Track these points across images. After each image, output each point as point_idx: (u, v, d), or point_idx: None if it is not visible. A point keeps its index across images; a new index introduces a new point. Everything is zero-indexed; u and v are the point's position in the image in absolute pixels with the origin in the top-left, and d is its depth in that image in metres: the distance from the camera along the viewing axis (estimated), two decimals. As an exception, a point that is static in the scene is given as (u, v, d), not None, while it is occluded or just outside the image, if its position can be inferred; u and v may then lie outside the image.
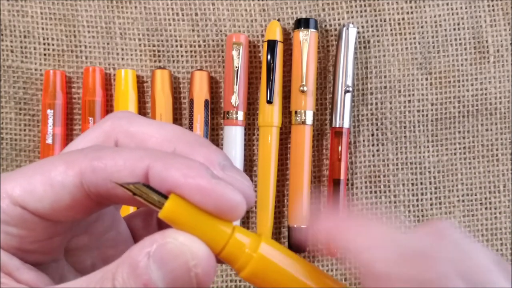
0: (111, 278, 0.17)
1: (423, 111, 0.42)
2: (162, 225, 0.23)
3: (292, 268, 0.19)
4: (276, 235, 0.42)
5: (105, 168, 0.18)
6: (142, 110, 0.42)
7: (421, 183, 0.42)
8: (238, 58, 0.41)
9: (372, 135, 0.42)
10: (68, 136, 0.42)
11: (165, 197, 0.18)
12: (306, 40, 0.41)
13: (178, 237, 0.17)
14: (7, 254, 0.19)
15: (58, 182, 0.18)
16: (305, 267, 0.20)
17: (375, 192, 0.42)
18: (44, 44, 0.42)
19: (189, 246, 0.17)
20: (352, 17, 0.42)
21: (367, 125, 0.42)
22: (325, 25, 0.42)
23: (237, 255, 0.19)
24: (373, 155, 0.42)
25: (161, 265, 0.17)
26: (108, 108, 0.42)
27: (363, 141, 0.42)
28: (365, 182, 0.42)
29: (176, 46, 0.42)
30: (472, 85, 0.42)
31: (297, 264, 0.20)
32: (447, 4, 0.42)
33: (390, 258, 0.18)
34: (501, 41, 0.42)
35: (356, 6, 0.42)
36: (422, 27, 0.42)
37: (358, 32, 0.42)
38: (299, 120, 0.41)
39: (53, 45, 0.42)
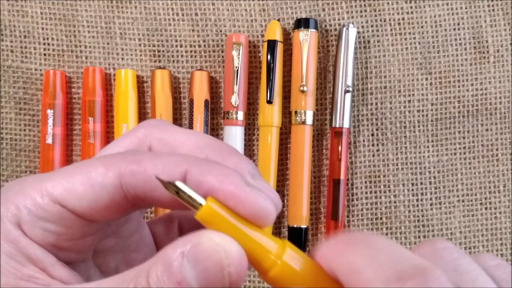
0: (145, 276, 0.18)
1: (423, 111, 0.42)
2: (183, 231, 0.24)
3: (312, 277, 0.20)
4: (276, 235, 0.42)
5: (145, 171, 0.19)
6: (142, 110, 0.42)
7: (421, 183, 0.42)
8: (238, 58, 0.41)
9: (372, 135, 0.42)
10: (68, 136, 0.42)
11: (203, 199, 0.19)
12: (306, 40, 0.41)
13: (213, 237, 0.18)
14: (43, 250, 0.20)
15: (98, 182, 0.19)
16: (324, 277, 0.20)
17: (375, 192, 0.42)
18: (44, 44, 0.42)
19: (223, 246, 0.18)
20: (352, 17, 0.42)
21: (367, 125, 0.42)
22: (325, 25, 0.42)
23: (263, 259, 0.19)
24: (373, 155, 0.42)
25: (195, 264, 0.18)
26: (108, 108, 0.42)
27: (363, 141, 0.42)
28: (365, 182, 0.42)
29: (176, 46, 0.42)
30: (472, 85, 0.42)
31: (317, 274, 0.20)
32: (447, 4, 0.42)
33: (387, 275, 0.18)
34: (501, 41, 0.42)
35: (356, 6, 0.42)
36: (422, 27, 0.42)
37: (358, 32, 0.42)
38: (299, 120, 0.41)
39: (53, 45, 0.42)
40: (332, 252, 0.19)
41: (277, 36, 0.41)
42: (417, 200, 0.42)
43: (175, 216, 0.24)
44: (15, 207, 0.19)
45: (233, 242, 0.18)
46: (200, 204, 0.18)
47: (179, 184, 0.18)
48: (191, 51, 0.42)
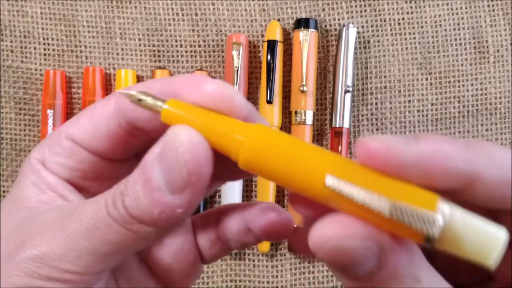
0: (125, 180, 0.19)
1: (423, 111, 0.42)
2: (219, 222, 0.24)
3: (292, 142, 0.18)
4: (276, 235, 0.42)
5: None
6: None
7: (421, 183, 0.42)
8: (238, 58, 0.41)
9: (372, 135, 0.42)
10: (68, 136, 0.42)
11: (163, 102, 0.19)
12: (306, 40, 0.41)
13: (171, 129, 0.19)
14: (62, 180, 0.22)
15: (97, 114, 0.22)
16: (302, 142, 0.19)
17: (375, 192, 0.42)
18: (44, 44, 0.42)
19: (179, 135, 0.18)
20: (352, 17, 0.42)
21: (367, 125, 0.42)
22: (325, 25, 0.42)
23: (230, 142, 0.19)
24: (373, 155, 0.42)
25: (159, 159, 0.18)
26: (108, 108, 0.42)
27: (363, 141, 0.42)
28: (365, 182, 0.42)
29: (176, 46, 0.42)
30: (472, 85, 0.42)
31: (294, 140, 0.19)
32: (447, 4, 0.42)
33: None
34: (501, 41, 0.42)
35: (356, 6, 0.42)
36: (422, 27, 0.42)
37: (358, 32, 0.42)
38: (299, 120, 0.41)
39: (53, 45, 0.42)
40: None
41: (277, 36, 0.41)
42: (417, 200, 0.42)
43: (212, 211, 0.25)
44: (42, 148, 0.22)
45: (189, 129, 0.18)
46: (162, 107, 0.19)
47: (138, 94, 0.20)
48: (191, 51, 0.42)
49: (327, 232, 0.17)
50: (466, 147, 0.17)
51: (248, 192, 0.42)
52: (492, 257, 0.16)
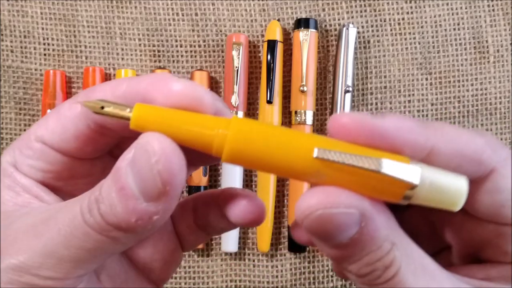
0: (99, 186, 0.19)
1: (423, 111, 0.42)
2: (197, 211, 0.24)
3: (272, 127, 0.19)
4: (276, 235, 0.42)
5: (96, 96, 0.21)
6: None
7: (421, 183, 0.42)
8: (238, 58, 0.41)
9: (372, 135, 0.42)
10: (68, 136, 0.42)
11: (128, 108, 0.19)
12: (306, 40, 0.41)
13: (145, 136, 0.18)
14: (35, 182, 0.22)
15: (64, 115, 0.21)
16: (281, 127, 0.19)
17: (375, 192, 0.42)
18: (44, 44, 0.42)
19: (151, 143, 0.18)
20: (352, 17, 0.42)
21: (367, 125, 0.42)
22: (325, 25, 0.42)
23: (211, 139, 0.18)
24: (373, 155, 0.42)
25: (133, 167, 0.18)
26: (108, 108, 0.42)
27: (363, 141, 0.42)
28: (365, 182, 0.42)
29: (176, 46, 0.42)
30: (472, 85, 0.42)
31: (273, 126, 0.20)
32: (447, 4, 0.42)
33: None
34: (501, 41, 0.42)
35: (356, 6, 0.42)
36: (422, 27, 0.42)
37: (358, 32, 0.42)
38: (299, 120, 0.41)
39: (53, 45, 0.42)
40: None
41: (277, 36, 0.41)
42: (417, 200, 0.42)
43: (190, 199, 0.25)
44: (12, 150, 0.22)
45: (161, 138, 0.18)
46: (128, 115, 0.19)
47: (100, 102, 0.19)
48: (191, 51, 0.42)
49: (312, 202, 0.18)
50: (424, 125, 0.19)
51: (248, 182, 0.42)
52: (459, 204, 0.18)
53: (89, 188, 0.21)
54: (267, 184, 0.41)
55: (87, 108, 0.20)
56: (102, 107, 0.19)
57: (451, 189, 0.18)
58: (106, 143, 0.22)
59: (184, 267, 0.42)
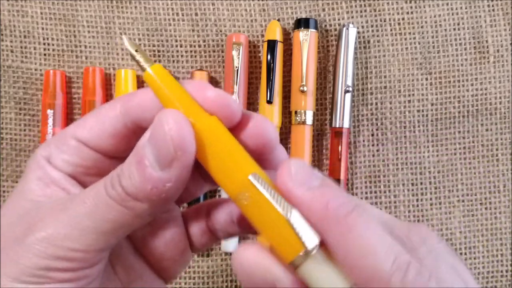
0: (122, 165, 0.22)
1: (423, 111, 0.42)
2: (210, 215, 0.27)
3: (231, 142, 0.22)
4: (276, 235, 0.42)
5: (137, 97, 0.23)
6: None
7: (421, 183, 0.42)
8: (238, 58, 0.41)
9: (372, 135, 0.42)
10: (68, 136, 0.42)
11: (149, 64, 0.23)
12: (306, 40, 0.41)
13: (161, 113, 0.21)
14: (65, 175, 0.24)
15: (103, 115, 0.24)
16: (237, 145, 0.22)
17: (375, 192, 0.42)
18: (44, 44, 0.42)
19: (166, 116, 0.21)
20: (352, 17, 0.42)
21: (367, 125, 0.42)
22: (325, 25, 0.42)
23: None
24: (373, 155, 0.42)
25: (150, 141, 0.21)
26: (108, 108, 0.42)
27: (363, 141, 0.42)
28: (365, 182, 0.42)
29: (176, 46, 0.42)
30: (472, 85, 0.42)
31: (233, 140, 0.22)
32: (447, 4, 0.42)
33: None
34: (501, 41, 0.42)
35: (356, 6, 0.42)
36: (422, 27, 0.42)
37: (358, 32, 0.42)
38: (299, 120, 0.41)
39: (53, 45, 0.42)
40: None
41: (277, 36, 0.41)
42: (417, 200, 0.42)
43: (205, 204, 0.27)
44: (48, 146, 0.24)
45: (174, 112, 0.21)
46: (146, 67, 0.23)
47: (136, 46, 0.23)
48: (191, 51, 0.42)
49: (242, 258, 0.21)
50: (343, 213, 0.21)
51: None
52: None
53: None
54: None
55: (128, 44, 0.23)
56: (137, 50, 0.23)
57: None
58: (136, 139, 0.24)
59: (184, 267, 0.42)
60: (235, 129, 0.23)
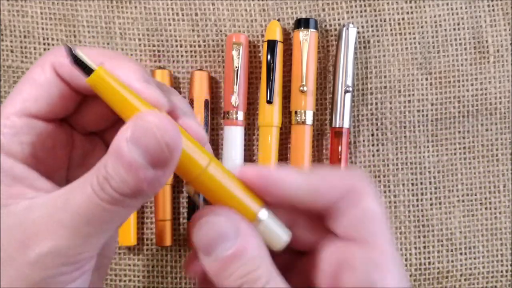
0: (103, 167, 0.21)
1: (423, 111, 0.42)
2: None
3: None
4: (276, 235, 0.42)
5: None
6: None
7: (421, 183, 0.42)
8: (238, 58, 0.41)
9: (372, 135, 0.42)
10: (68, 136, 0.42)
11: (94, 65, 0.22)
12: (306, 40, 0.41)
13: (145, 117, 0.21)
14: (26, 167, 0.24)
15: (42, 80, 0.24)
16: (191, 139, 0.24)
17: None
18: (44, 44, 0.42)
19: (152, 120, 0.21)
20: (352, 17, 0.42)
21: (367, 125, 0.42)
22: (325, 25, 0.42)
23: (129, 114, 0.22)
24: (373, 155, 0.42)
25: (138, 144, 0.21)
26: (108, 108, 0.42)
27: (363, 141, 0.42)
28: (365, 182, 0.42)
29: (176, 46, 0.42)
30: (472, 85, 0.42)
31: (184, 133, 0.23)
32: (447, 4, 0.42)
33: None
34: (501, 41, 0.42)
35: (356, 6, 0.42)
36: (422, 27, 0.42)
37: (358, 32, 0.42)
38: (299, 120, 0.41)
39: (53, 45, 0.42)
40: None
41: (277, 36, 0.41)
42: (417, 200, 0.42)
43: None
44: None
45: (156, 114, 0.22)
46: (92, 70, 0.22)
47: (77, 52, 0.22)
48: (191, 51, 0.42)
49: (201, 213, 0.24)
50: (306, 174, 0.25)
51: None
52: (278, 248, 0.25)
53: (64, 161, 0.26)
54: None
55: (66, 51, 0.22)
56: (75, 58, 0.22)
57: (277, 237, 0.25)
58: (72, 102, 0.25)
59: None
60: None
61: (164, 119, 0.21)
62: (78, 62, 0.22)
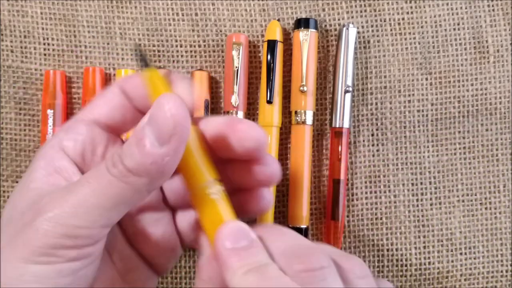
0: (122, 147, 0.24)
1: (423, 111, 0.42)
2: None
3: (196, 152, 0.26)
4: (276, 235, 0.42)
5: (137, 78, 0.27)
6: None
7: (421, 183, 0.42)
8: (238, 58, 0.41)
9: (372, 135, 0.42)
10: (68, 136, 0.42)
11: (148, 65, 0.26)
12: (306, 40, 0.41)
13: (159, 98, 0.23)
14: (70, 163, 0.27)
15: (109, 94, 0.28)
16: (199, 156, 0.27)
17: (375, 192, 0.42)
18: (44, 44, 0.42)
19: (166, 98, 0.23)
20: (352, 17, 0.42)
21: (367, 125, 0.42)
22: (325, 25, 0.42)
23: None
24: (373, 155, 0.42)
25: (150, 121, 0.23)
26: (108, 108, 0.42)
27: (363, 141, 0.42)
28: (365, 182, 0.42)
29: (176, 46, 0.42)
30: (472, 85, 0.42)
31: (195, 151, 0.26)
32: (447, 4, 0.42)
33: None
34: (501, 41, 0.42)
35: (356, 6, 0.42)
36: (422, 27, 0.42)
37: (358, 32, 0.42)
38: (299, 120, 0.41)
39: (53, 45, 0.42)
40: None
41: (277, 36, 0.41)
42: (417, 200, 0.42)
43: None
44: (57, 135, 0.27)
45: (172, 95, 0.23)
46: (146, 67, 0.26)
47: (140, 49, 0.27)
48: (191, 51, 0.42)
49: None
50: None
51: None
52: None
53: None
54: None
55: (134, 50, 0.28)
56: (139, 54, 0.27)
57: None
58: (134, 118, 0.28)
59: (185, 267, 0.42)
60: (226, 132, 0.27)
61: (177, 101, 0.23)
62: (142, 60, 0.26)
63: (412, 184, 0.42)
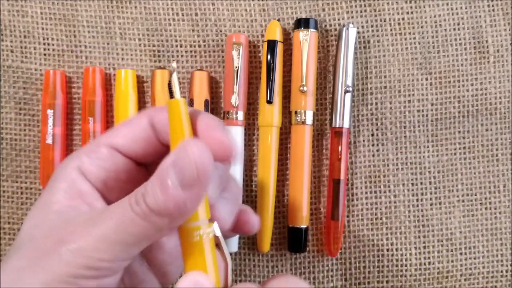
0: (145, 185, 0.24)
1: (423, 111, 0.42)
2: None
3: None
4: (276, 235, 0.42)
5: (161, 114, 0.28)
6: (142, 110, 0.42)
7: (421, 183, 0.42)
8: (238, 58, 0.41)
9: (372, 135, 0.42)
10: (68, 136, 0.42)
11: (178, 95, 0.27)
12: (306, 40, 0.41)
13: (185, 143, 0.24)
14: (93, 188, 0.27)
15: (133, 123, 0.28)
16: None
17: (375, 192, 0.42)
18: (44, 44, 0.42)
19: (191, 145, 0.24)
20: (352, 17, 0.42)
21: (367, 125, 0.42)
22: (325, 25, 0.42)
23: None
24: (373, 155, 0.42)
25: (174, 164, 0.24)
26: (108, 108, 0.42)
27: (363, 141, 0.42)
28: (365, 182, 0.42)
29: (176, 46, 0.42)
30: (472, 85, 0.42)
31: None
32: (447, 4, 0.42)
33: None
34: (501, 41, 0.42)
35: (356, 6, 0.42)
36: (422, 27, 0.42)
37: (358, 32, 0.42)
38: (299, 120, 0.41)
39: (53, 45, 0.42)
40: None
41: (277, 36, 0.41)
42: (417, 200, 0.42)
43: None
44: (78, 157, 0.27)
45: (197, 142, 0.24)
46: (173, 97, 0.26)
47: (174, 76, 0.27)
48: (191, 51, 0.42)
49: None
50: None
51: (248, 182, 0.42)
52: None
53: None
54: (267, 184, 0.41)
55: (171, 69, 0.28)
56: (170, 80, 0.27)
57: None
58: (159, 152, 0.28)
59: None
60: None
61: (203, 148, 0.24)
62: (170, 87, 0.26)
63: (412, 184, 0.42)
